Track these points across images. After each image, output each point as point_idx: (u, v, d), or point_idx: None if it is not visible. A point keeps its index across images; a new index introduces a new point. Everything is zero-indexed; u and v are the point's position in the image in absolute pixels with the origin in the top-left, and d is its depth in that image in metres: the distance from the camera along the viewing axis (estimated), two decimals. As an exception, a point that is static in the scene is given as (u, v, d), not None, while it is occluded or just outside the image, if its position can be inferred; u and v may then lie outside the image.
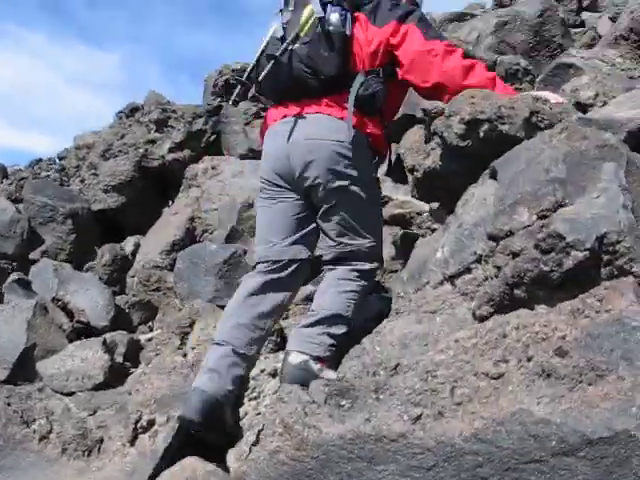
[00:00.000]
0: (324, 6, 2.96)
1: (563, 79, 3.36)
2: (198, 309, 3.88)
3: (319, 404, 1.85)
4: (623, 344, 1.48)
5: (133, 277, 5.29)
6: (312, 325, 2.90)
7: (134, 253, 5.75)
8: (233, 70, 7.32)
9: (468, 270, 2.14)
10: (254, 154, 6.09)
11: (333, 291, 2.97)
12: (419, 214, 4.02)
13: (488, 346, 1.70)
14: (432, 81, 2.84)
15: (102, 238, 6.15)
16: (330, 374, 2.53)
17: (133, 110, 7.52)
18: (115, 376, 3.68)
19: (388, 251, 4.21)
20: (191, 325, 3.82)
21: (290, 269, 3.04)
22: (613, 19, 5.11)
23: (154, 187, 6.50)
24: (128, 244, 5.93)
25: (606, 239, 1.65)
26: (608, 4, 5.27)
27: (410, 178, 2.98)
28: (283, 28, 3.12)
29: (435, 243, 2.59)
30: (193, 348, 3.69)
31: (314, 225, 3.10)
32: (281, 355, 3.79)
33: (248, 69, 3.16)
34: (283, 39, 3.03)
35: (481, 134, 2.42)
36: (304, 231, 3.08)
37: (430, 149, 2.78)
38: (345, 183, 2.91)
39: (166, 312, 4.61)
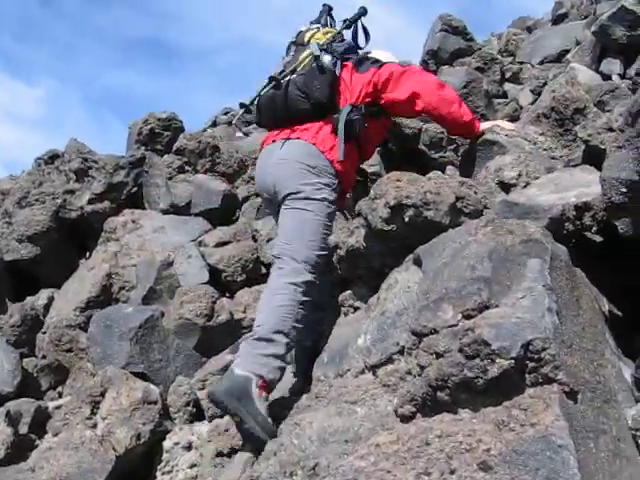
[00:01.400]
0: (320, 52, 3.60)
1: (487, 155, 3.38)
2: (110, 376, 3.71)
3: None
4: (549, 463, 1.43)
5: (44, 334, 5.05)
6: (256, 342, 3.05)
7: (47, 307, 5.51)
8: (159, 119, 7.22)
9: (390, 361, 2.09)
10: (176, 209, 5.97)
11: (271, 306, 3.17)
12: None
13: (410, 455, 1.62)
14: (411, 90, 3.43)
15: (14, 290, 5.89)
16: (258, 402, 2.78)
17: (53, 157, 7.29)
18: (18, 451, 3.46)
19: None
20: (102, 394, 3.64)
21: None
22: (533, 91, 5.25)
23: (71, 239, 6.26)
24: (41, 298, 5.67)
25: (532, 346, 1.62)
26: (529, 77, 5.41)
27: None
28: (283, 66, 3.72)
29: (356, 324, 2.54)
30: (104, 418, 3.52)
31: None
32: (196, 427, 3.69)
33: (251, 99, 3.66)
34: (282, 74, 3.63)
35: (406, 219, 2.39)
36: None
37: (354, 227, 2.74)
38: (302, 198, 3.26)
39: (77, 377, 4.40)
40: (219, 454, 3.31)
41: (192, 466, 3.46)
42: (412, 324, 1.89)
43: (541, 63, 6.39)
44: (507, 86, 5.61)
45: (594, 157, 3.07)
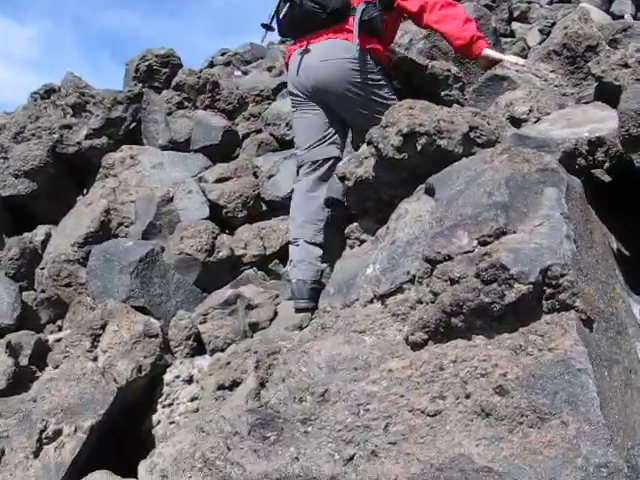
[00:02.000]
0: None
1: (497, 91, 3.32)
2: (111, 310, 3.68)
3: (242, 436, 1.73)
4: (568, 387, 1.41)
5: (43, 269, 5.02)
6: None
7: (45, 243, 5.47)
8: (157, 56, 7.09)
9: (400, 290, 2.05)
10: (175, 145, 5.89)
11: None
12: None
13: (424, 379, 1.60)
14: (419, 3, 3.69)
15: (11, 226, 5.85)
16: None
17: (49, 92, 7.18)
18: (19, 381, 3.45)
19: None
20: (103, 327, 3.62)
21: (326, 166, 3.72)
22: (542, 31, 5.15)
23: (68, 174, 6.20)
24: (39, 233, 5.62)
25: (550, 272, 1.59)
26: (538, 16, 5.30)
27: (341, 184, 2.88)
28: None
29: (364, 256, 2.50)
30: (105, 351, 3.51)
31: (339, 129, 3.83)
32: (197, 361, 3.68)
33: (270, 14, 3.94)
34: None
35: (419, 147, 2.33)
36: (331, 134, 3.80)
37: (363, 158, 2.68)
38: (359, 89, 3.66)
39: (77, 311, 4.37)
40: (220, 387, 3.30)
41: (193, 399, 3.46)
42: (425, 251, 1.85)
43: (550, 3, 6.27)
44: (515, 25, 5.49)
45: (607, 94, 3.01)
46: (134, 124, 6.44)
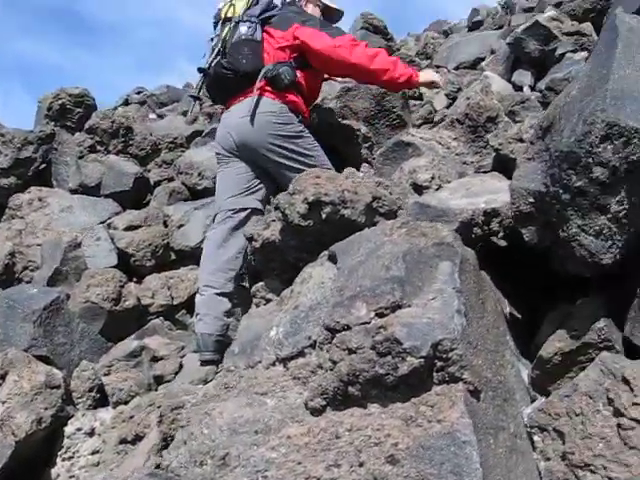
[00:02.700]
0: (235, 26, 3.97)
1: (402, 156, 3.47)
2: (12, 359, 3.60)
3: (141, 501, 1.75)
4: (453, 458, 1.50)
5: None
6: None
7: (-56, 286, 5.30)
8: (70, 95, 7.05)
9: (302, 354, 2.13)
10: (85, 190, 5.84)
11: None
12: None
13: (320, 447, 1.67)
14: (343, 73, 4.09)
15: None
16: None
17: (-43, 129, 7.02)
18: None
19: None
20: (3, 377, 3.54)
21: (243, 215, 3.79)
22: (448, 96, 5.39)
23: (-27, 213, 6.05)
24: (-61, 273, 5.45)
25: (440, 346, 1.69)
26: (445, 81, 5.54)
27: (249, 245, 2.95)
28: (211, 49, 4.08)
29: (269, 317, 2.57)
30: (4, 402, 3.42)
31: (261, 182, 3.93)
32: (99, 413, 3.63)
33: (197, 85, 4.26)
34: (209, 60, 4.04)
35: (323, 216, 2.44)
36: (252, 186, 3.90)
37: (271, 220, 2.77)
38: (280, 141, 3.79)
39: (-25, 358, 4.25)
40: (123, 441, 3.28)
41: (94, 452, 3.41)
42: (326, 320, 1.94)
43: (456, 68, 6.56)
44: (423, 89, 5.72)
45: (503, 165, 3.20)
46: (44, 165, 6.33)
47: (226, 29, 4.00)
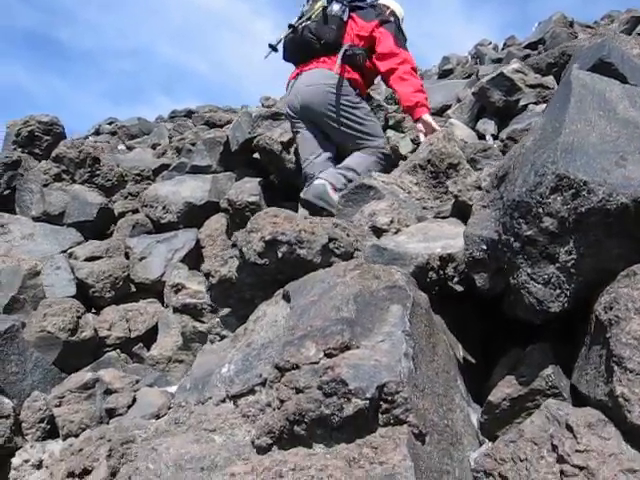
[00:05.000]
0: (330, 2, 4.82)
1: (364, 199, 3.51)
2: (-39, 390, 3.55)
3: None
4: (393, 501, 1.51)
5: None
6: (338, 169, 4.54)
7: None
8: (40, 122, 7.03)
9: (252, 392, 2.13)
10: (49, 218, 5.81)
11: (356, 156, 4.63)
12: (211, 306, 3.99)
13: (263, 486, 1.67)
14: (387, 78, 4.73)
15: None
16: (334, 196, 4.25)
17: None
18: None
19: (175, 340, 4.14)
20: (-50, 405, 3.48)
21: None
22: (413, 141, 5.49)
23: None
24: None
25: (386, 388, 1.70)
26: (411, 126, 5.63)
27: (205, 282, 2.96)
28: (301, 13, 4.95)
29: (222, 353, 2.57)
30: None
31: (330, 143, 4.77)
32: (48, 445, 3.57)
33: (279, 38, 4.99)
34: (299, 21, 4.89)
35: (280, 255, 2.46)
36: (325, 148, 4.77)
37: (228, 257, 2.78)
38: (337, 110, 4.56)
39: None
40: (70, 474, 3.21)
41: (41, 486, 3.35)
42: (276, 358, 1.95)
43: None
44: (389, 132, 5.83)
45: (462, 212, 3.25)
46: (8, 191, 6.31)
47: (319, 3, 4.84)
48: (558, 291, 2.10)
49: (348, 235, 2.59)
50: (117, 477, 2.09)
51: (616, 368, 1.95)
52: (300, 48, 4.86)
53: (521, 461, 2.00)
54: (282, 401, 1.86)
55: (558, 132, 2.16)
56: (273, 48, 5.00)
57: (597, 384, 2.06)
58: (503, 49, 10.73)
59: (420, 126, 4.71)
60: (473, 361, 2.82)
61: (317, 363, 1.82)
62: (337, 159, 4.80)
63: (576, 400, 2.19)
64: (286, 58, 5.15)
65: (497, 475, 2.05)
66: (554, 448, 1.94)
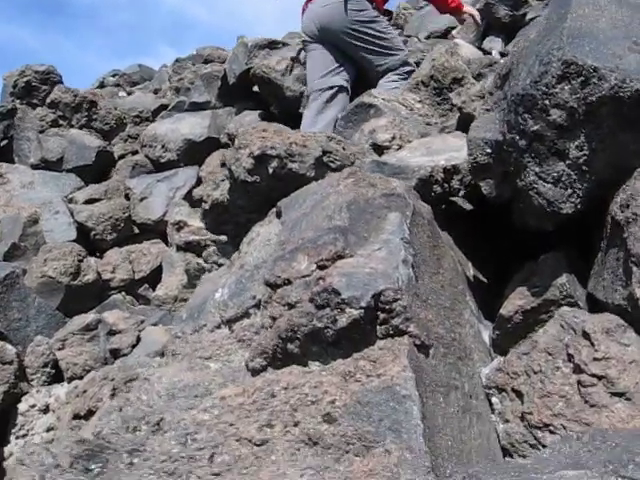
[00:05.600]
0: None
1: (363, 118, 3.34)
2: (-37, 334, 3.48)
3: (64, 469, 1.62)
4: (392, 414, 1.38)
5: None
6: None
7: None
8: (36, 72, 6.85)
9: (247, 315, 2.01)
10: (47, 164, 5.67)
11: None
12: (215, 242, 3.87)
13: (254, 407, 1.54)
14: None
15: None
16: None
17: None
18: None
19: (180, 279, 4.03)
20: (-46, 355, 3.40)
21: (331, 92, 4.48)
22: (417, 64, 5.26)
23: None
24: None
25: (383, 297, 1.56)
26: (415, 49, 5.41)
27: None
28: None
29: (218, 279, 2.45)
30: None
31: (344, 63, 4.59)
32: (54, 389, 3.50)
33: None
34: None
35: (270, 170, 2.30)
36: (336, 67, 4.56)
37: (220, 180, 2.63)
38: (356, 26, 4.47)
39: None
40: (76, 416, 3.14)
41: (49, 429, 3.29)
42: (266, 275, 1.81)
43: (427, 38, 6.43)
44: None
45: (467, 124, 3.08)
46: (6, 141, 6.17)
47: None
48: (570, 190, 1.94)
49: (344, 149, 2.43)
50: (103, 409, 1.98)
51: (635, 269, 1.80)
52: None
53: (535, 373, 1.87)
54: (274, 319, 1.73)
55: (564, 18, 1.98)
56: None
57: (615, 288, 1.92)
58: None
59: (469, 10, 5.11)
60: (484, 280, 2.69)
61: (309, 276, 1.68)
62: (358, 80, 4.68)
63: (593, 309, 2.04)
64: None
65: (510, 390, 1.93)
66: (570, 358, 1.81)
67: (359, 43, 4.50)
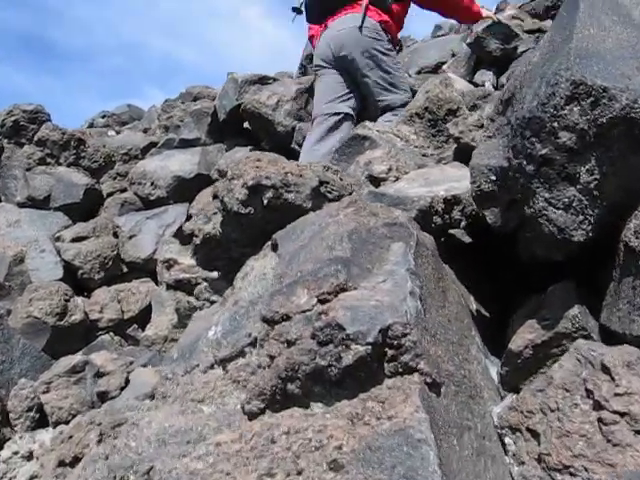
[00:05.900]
0: None
1: (358, 151, 3.25)
2: (-57, 379, 3.33)
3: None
4: (407, 459, 1.25)
5: None
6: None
7: None
8: (24, 111, 6.78)
9: (242, 354, 1.88)
10: (34, 203, 5.57)
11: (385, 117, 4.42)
12: (206, 280, 3.76)
13: (253, 454, 1.42)
14: (434, 4, 4.83)
15: None
16: None
17: None
18: None
19: (170, 318, 3.91)
20: None
21: (337, 119, 4.48)
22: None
23: None
24: None
25: (391, 331, 1.44)
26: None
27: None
28: None
29: (211, 317, 2.33)
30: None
31: (353, 91, 4.60)
32: (38, 435, 3.35)
33: (300, 3, 4.89)
34: None
35: (265, 201, 2.19)
36: (345, 94, 4.57)
37: (211, 214, 2.52)
38: (369, 53, 4.47)
39: None
40: (61, 463, 3.00)
41: (32, 478, 3.14)
42: (263, 310, 1.69)
43: (418, 73, 6.42)
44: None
45: (465, 155, 3.00)
46: (-9, 179, 6.08)
47: None
48: (581, 217, 1.84)
49: (341, 179, 2.33)
50: (87, 457, 1.85)
51: (654, 298, 1.70)
52: (322, 2, 4.74)
53: (552, 411, 1.75)
54: (272, 357, 1.60)
55: (569, 39, 1.90)
56: (297, 10, 4.91)
57: (632, 319, 1.81)
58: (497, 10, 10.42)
59: (488, 14, 5.10)
60: (487, 314, 2.58)
61: (310, 310, 1.56)
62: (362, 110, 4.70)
63: (609, 341, 1.93)
64: (310, 19, 5.02)
65: (525, 429, 1.80)
66: (589, 394, 1.69)
67: (366, 71, 4.48)
